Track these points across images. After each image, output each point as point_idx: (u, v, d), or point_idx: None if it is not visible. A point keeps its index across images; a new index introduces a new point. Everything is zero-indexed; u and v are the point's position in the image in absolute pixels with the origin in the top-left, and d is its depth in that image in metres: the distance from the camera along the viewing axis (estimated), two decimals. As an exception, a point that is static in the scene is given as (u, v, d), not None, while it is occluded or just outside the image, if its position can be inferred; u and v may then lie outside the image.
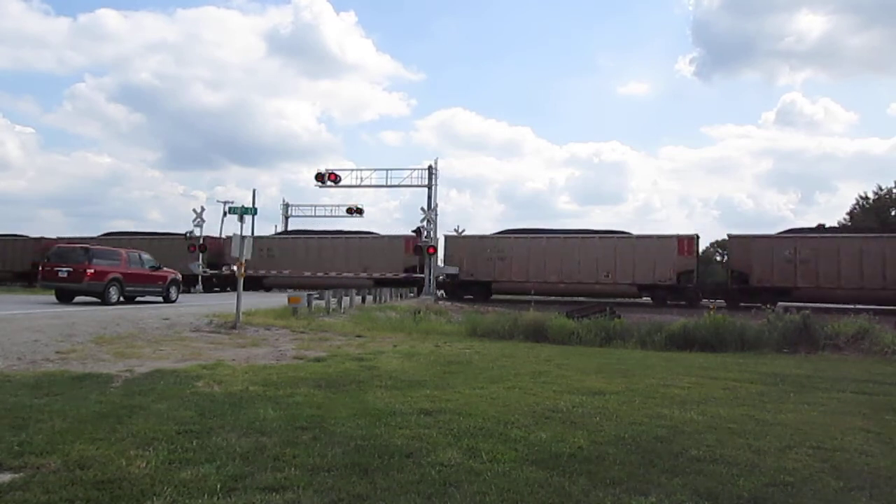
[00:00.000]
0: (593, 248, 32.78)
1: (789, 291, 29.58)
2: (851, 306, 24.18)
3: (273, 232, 42.51)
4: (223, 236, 37.38)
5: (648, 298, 32.49)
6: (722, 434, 6.12)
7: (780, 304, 25.94)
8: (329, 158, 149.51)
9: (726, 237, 33.69)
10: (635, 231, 34.95)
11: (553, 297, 30.09)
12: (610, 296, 30.77)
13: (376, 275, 35.63)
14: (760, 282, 30.30)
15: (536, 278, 32.57)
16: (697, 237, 32.79)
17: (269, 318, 16.40)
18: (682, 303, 30.88)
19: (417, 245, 33.48)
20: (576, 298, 30.41)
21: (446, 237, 36.29)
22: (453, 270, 34.37)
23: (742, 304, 28.44)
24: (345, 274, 36.15)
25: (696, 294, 31.77)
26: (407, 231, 38.09)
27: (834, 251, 29.48)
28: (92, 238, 39.38)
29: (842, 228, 31.72)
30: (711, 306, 18.89)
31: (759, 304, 26.86)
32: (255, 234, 17.07)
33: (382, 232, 41.37)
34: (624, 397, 7.93)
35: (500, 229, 37.92)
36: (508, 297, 33.42)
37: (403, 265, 36.25)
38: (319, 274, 36.47)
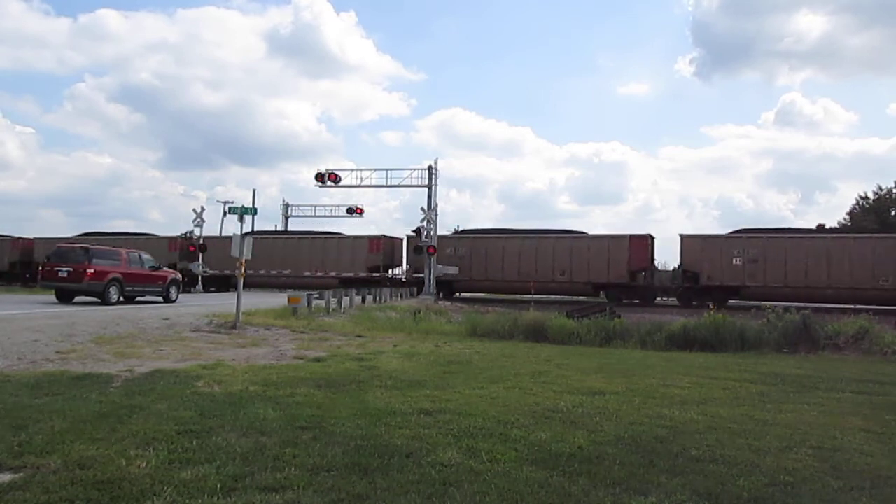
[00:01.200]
0: (318, 247, 38.81)
1: (451, 283, 35.80)
2: (511, 297, 33.91)
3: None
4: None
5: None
6: (722, 434, 6.12)
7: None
8: (329, 158, 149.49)
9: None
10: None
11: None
12: (326, 285, 36.22)
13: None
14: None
15: (267, 269, 37.96)
16: (387, 237, 38.48)
17: (269, 318, 16.41)
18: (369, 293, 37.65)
19: (418, 245, 33.40)
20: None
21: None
22: (453, 270, 34.57)
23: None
24: None
25: (384, 283, 37.63)
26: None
27: (499, 249, 35.16)
28: None
29: (501, 230, 37.08)
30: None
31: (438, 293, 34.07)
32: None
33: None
34: (624, 397, 7.93)
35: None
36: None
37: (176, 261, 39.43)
38: None
